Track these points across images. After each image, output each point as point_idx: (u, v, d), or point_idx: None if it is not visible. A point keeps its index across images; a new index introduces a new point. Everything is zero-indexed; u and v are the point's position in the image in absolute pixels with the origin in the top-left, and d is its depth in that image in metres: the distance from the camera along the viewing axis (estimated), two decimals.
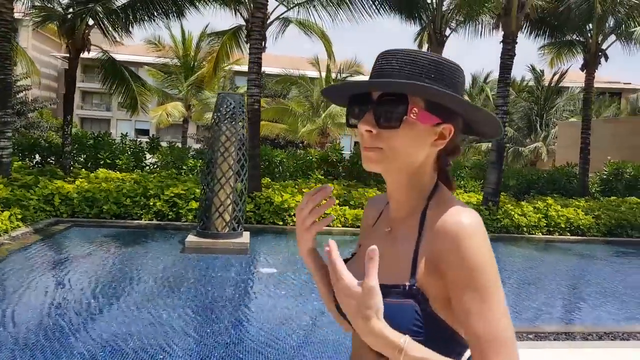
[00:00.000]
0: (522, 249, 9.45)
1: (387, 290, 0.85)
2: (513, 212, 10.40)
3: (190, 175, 12.02)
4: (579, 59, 16.23)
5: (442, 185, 0.98)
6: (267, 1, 10.02)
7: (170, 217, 9.14)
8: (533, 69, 26.05)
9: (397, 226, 0.99)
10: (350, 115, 0.95)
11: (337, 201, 10.16)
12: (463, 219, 0.86)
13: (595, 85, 29.63)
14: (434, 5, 13.01)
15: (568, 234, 10.39)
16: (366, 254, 0.79)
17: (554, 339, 4.42)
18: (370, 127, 0.89)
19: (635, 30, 14.02)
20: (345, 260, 1.02)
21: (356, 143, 30.29)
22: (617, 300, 6.28)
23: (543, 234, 10.30)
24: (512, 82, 30.64)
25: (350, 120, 0.95)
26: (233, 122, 7.42)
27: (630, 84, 42.43)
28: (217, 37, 16.19)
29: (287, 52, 39.55)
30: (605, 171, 15.40)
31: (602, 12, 13.17)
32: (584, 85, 15.10)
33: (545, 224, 10.38)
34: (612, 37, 14.59)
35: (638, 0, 13.03)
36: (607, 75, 33.24)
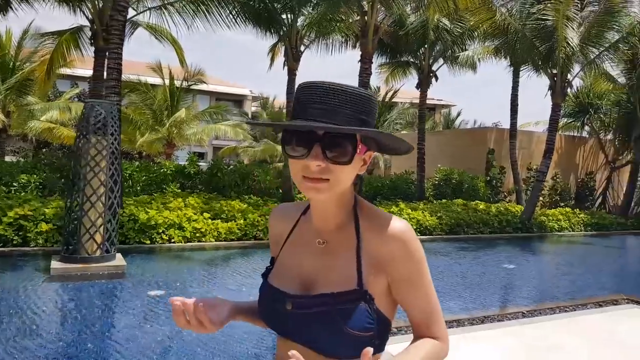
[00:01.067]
0: None
1: (340, 297, 1.00)
2: None
3: (24, 193, 10.50)
4: (411, 78, 18.33)
5: (358, 196, 1.12)
6: (129, 4, 9.34)
7: (15, 242, 7.92)
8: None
9: (329, 238, 1.09)
10: (290, 146, 0.99)
11: (207, 215, 9.87)
12: (403, 225, 1.05)
13: (414, 101, 33.41)
14: (289, 22, 13.49)
15: (419, 234, 11.62)
16: (362, 355, 0.88)
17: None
18: (320, 162, 0.96)
19: (459, 55, 16.28)
20: (267, 273, 1.15)
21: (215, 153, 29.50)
22: (470, 289, 7.23)
23: None
24: None
25: (291, 152, 0.99)
26: (104, 134, 6.76)
27: (442, 100, 49.12)
28: (52, 37, 14.47)
29: (127, 56, 36.99)
30: (437, 177, 17.53)
31: (435, 38, 15.05)
32: (419, 101, 16.99)
33: None
34: (441, 60, 16.71)
35: (461, 30, 15.16)
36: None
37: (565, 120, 20.36)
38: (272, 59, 17.04)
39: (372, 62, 11.42)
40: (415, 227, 11.60)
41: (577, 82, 19.09)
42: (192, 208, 10.07)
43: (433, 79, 16.38)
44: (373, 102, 1.02)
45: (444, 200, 15.20)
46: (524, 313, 5.67)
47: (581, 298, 6.55)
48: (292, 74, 13.90)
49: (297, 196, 14.07)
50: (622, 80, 15.35)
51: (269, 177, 14.90)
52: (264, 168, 17.46)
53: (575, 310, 5.95)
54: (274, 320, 1.09)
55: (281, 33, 13.73)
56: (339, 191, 1.03)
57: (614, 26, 11.92)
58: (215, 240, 9.43)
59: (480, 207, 13.83)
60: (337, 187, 1.01)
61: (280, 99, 33.13)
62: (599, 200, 19.48)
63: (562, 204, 17.09)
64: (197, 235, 9.28)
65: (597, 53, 12.47)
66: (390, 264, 1.03)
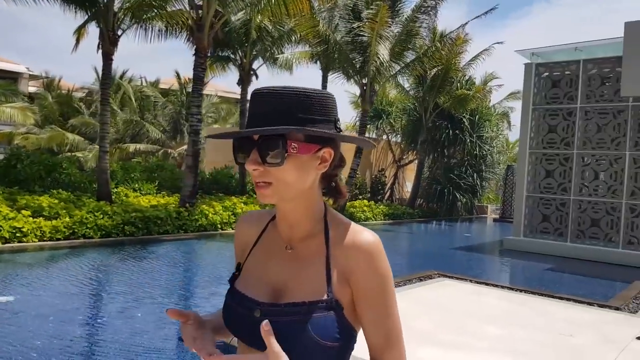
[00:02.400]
0: (220, 243, 10.51)
1: (310, 307, 0.97)
2: (208, 212, 11.35)
3: None
4: (229, 72, 18.63)
5: (329, 206, 1.11)
6: None
7: None
8: (178, 76, 27.68)
9: (297, 245, 1.06)
10: (236, 154, 1.02)
11: (27, 212, 8.72)
12: (371, 237, 1.02)
13: (220, 94, 33.52)
14: (105, 1, 12.55)
15: None
16: (261, 327, 0.89)
17: None
18: (256, 166, 0.97)
19: (278, 57, 17.18)
20: (233, 279, 1.12)
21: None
22: None
23: (232, 229, 11.68)
24: (156, 84, 31.65)
25: (238, 158, 1.02)
26: None
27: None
28: None
29: None
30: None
31: (257, 37, 15.64)
32: (240, 97, 17.38)
33: (234, 220, 11.78)
34: (262, 60, 17.38)
35: (280, 33, 16.06)
36: (227, 85, 38.24)
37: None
38: (78, 40, 15.51)
39: (207, 56, 11.43)
40: None
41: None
42: None
43: (254, 77, 16.99)
44: (315, 98, 0.99)
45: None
46: None
47: (407, 275, 7.86)
48: (108, 59, 12.95)
49: (114, 191, 13.20)
50: (412, 92, 18.27)
51: (75, 170, 13.62)
52: (71, 160, 15.82)
53: (405, 284, 7.18)
54: (240, 328, 1.05)
55: (93, 11, 12.65)
56: (290, 194, 1.01)
57: (411, 47, 14.22)
58: (39, 240, 8.43)
59: None
60: (284, 190, 0.99)
61: (67, 80, 29.79)
62: (388, 193, 22.71)
63: (361, 197, 19.50)
64: (18, 235, 8.17)
65: (398, 68, 14.68)
66: (354, 275, 1.01)
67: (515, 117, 36.92)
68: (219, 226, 11.37)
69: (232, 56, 17.39)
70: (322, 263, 1.02)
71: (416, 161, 22.66)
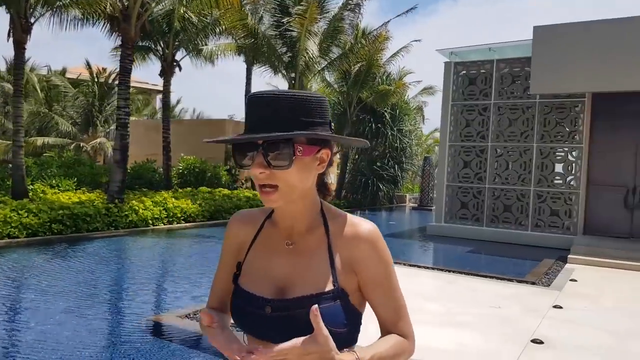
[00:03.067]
0: (153, 240, 10.31)
1: (318, 298, 1.02)
2: (138, 207, 11.04)
3: None
4: (150, 63, 18.02)
5: (323, 200, 1.16)
6: None
7: None
8: (89, 66, 26.16)
9: (298, 240, 1.10)
10: (239, 158, 1.03)
11: None
12: (371, 226, 1.09)
13: (135, 84, 32.21)
14: None
15: (183, 222, 11.95)
16: (311, 312, 0.92)
17: None
18: (263, 169, 0.99)
19: (202, 48, 16.90)
20: (235, 278, 1.13)
21: None
22: None
23: (165, 225, 11.46)
24: (63, 72, 29.55)
25: (240, 162, 1.03)
26: None
27: (157, 85, 47.83)
28: None
29: None
30: (180, 166, 17.84)
31: (180, 28, 15.29)
32: (162, 89, 16.90)
33: (165, 215, 11.55)
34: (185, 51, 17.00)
35: (202, 25, 15.80)
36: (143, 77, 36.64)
37: None
38: None
39: (134, 48, 11.06)
40: (180, 215, 11.88)
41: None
42: None
43: (177, 69, 16.59)
44: (313, 101, 1.02)
45: (188, 189, 15.61)
46: None
47: None
48: (20, 48, 12.13)
49: (31, 188, 12.39)
50: (336, 86, 18.78)
51: None
52: None
53: None
54: (250, 325, 1.09)
55: None
56: (294, 196, 1.04)
57: (337, 43, 14.66)
58: None
59: (224, 193, 14.84)
60: (290, 192, 1.03)
61: None
62: None
63: None
64: None
65: (325, 64, 15.08)
66: (361, 264, 1.07)
67: (428, 111, 38.99)
68: (150, 222, 11.11)
69: (153, 47, 16.84)
70: (325, 255, 1.07)
71: (339, 154, 23.25)
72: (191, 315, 4.94)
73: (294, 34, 13.26)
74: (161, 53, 16.49)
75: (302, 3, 13.39)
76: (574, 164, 10.71)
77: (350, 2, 14.54)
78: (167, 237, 10.79)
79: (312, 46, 13.31)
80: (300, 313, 1.01)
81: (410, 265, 7.97)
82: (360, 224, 1.10)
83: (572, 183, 10.71)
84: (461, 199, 11.95)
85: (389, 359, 1.04)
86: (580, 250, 9.01)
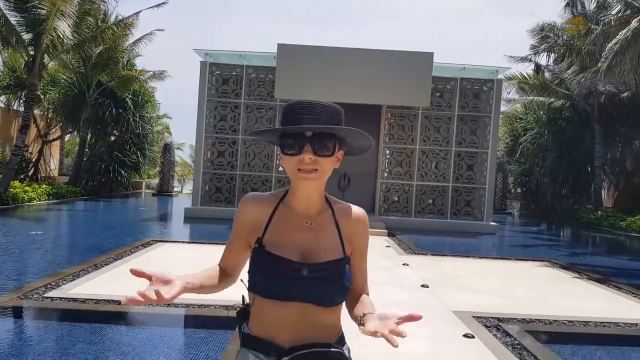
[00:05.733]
0: None
1: (339, 262, 1.35)
2: None
3: None
4: None
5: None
6: None
7: None
8: None
9: (314, 220, 1.38)
10: (287, 147, 1.30)
11: None
12: (363, 211, 1.46)
13: None
14: None
15: None
16: (414, 316, 1.15)
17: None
18: (312, 156, 1.27)
19: None
20: (259, 248, 1.34)
21: None
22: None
23: None
24: None
25: (288, 150, 1.30)
26: None
27: None
28: None
29: None
30: None
31: None
32: None
33: None
34: None
35: None
36: None
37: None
38: None
39: None
40: None
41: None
42: None
43: None
44: (342, 113, 1.34)
45: None
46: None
47: (129, 245, 8.72)
48: None
49: None
50: (73, 66, 17.67)
51: None
52: None
53: (133, 252, 8.11)
54: (280, 285, 1.29)
55: None
56: (324, 180, 1.34)
57: (85, 25, 14.15)
58: None
59: None
60: (323, 176, 1.32)
61: None
62: (32, 170, 20.99)
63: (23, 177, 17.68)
64: None
65: (71, 44, 14.32)
66: (356, 238, 1.42)
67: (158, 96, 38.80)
68: None
69: None
70: (334, 231, 1.38)
71: (67, 137, 21.75)
72: None
73: (43, 12, 12.35)
74: None
75: None
76: None
77: None
78: None
79: (64, 27, 12.66)
80: (329, 274, 1.31)
81: (189, 243, 9.19)
82: (354, 209, 1.45)
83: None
84: (216, 184, 13.59)
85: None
86: None
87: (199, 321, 4.65)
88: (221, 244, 8.54)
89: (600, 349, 4.57)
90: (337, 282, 1.31)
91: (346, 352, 1.35)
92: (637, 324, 5.18)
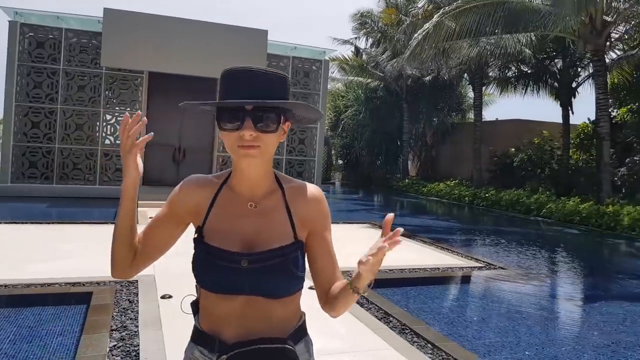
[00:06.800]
0: None
1: (286, 249, 1.21)
2: None
3: None
4: None
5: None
6: None
7: None
8: None
9: (260, 202, 1.24)
10: (224, 121, 1.15)
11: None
12: (318, 189, 1.32)
13: None
14: None
15: None
16: (397, 232, 1.05)
17: None
18: (252, 132, 1.13)
19: None
20: (199, 239, 1.23)
21: None
22: None
23: None
24: None
25: (226, 125, 1.15)
26: None
27: None
28: None
29: None
30: None
31: None
32: None
33: None
34: None
35: None
36: None
37: None
38: None
39: None
40: None
41: None
42: None
43: None
44: (288, 82, 1.20)
45: None
46: None
47: None
48: None
49: None
50: None
51: None
52: None
53: None
54: (223, 279, 1.18)
55: None
56: (267, 157, 1.20)
57: None
58: None
59: None
60: (266, 153, 1.18)
61: None
62: None
63: None
64: None
65: None
66: (312, 220, 1.28)
67: None
68: None
69: None
70: (284, 214, 1.25)
71: None
72: None
73: None
74: None
75: None
76: None
77: None
78: None
79: None
80: (273, 264, 1.18)
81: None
82: (308, 187, 1.31)
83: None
84: (30, 159, 12.20)
85: None
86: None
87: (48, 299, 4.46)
88: (45, 223, 7.88)
89: (413, 289, 5.64)
90: (285, 272, 1.19)
91: (302, 346, 1.27)
92: (438, 268, 6.48)
